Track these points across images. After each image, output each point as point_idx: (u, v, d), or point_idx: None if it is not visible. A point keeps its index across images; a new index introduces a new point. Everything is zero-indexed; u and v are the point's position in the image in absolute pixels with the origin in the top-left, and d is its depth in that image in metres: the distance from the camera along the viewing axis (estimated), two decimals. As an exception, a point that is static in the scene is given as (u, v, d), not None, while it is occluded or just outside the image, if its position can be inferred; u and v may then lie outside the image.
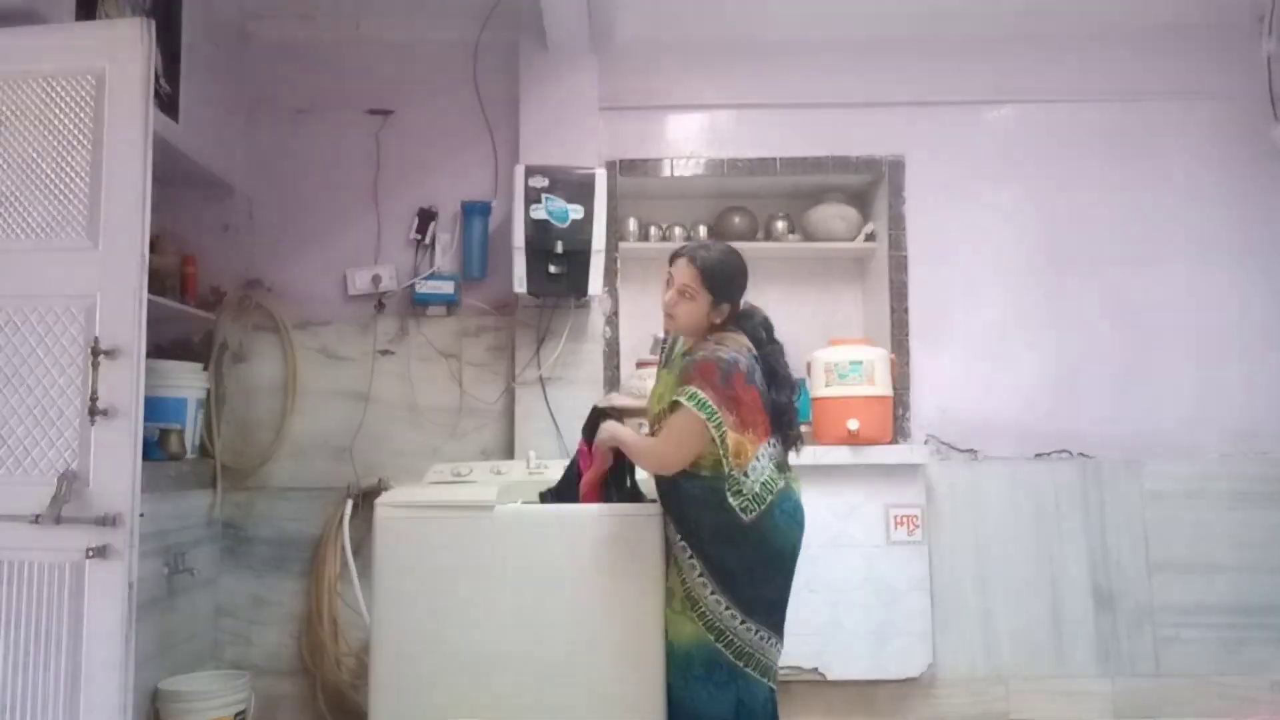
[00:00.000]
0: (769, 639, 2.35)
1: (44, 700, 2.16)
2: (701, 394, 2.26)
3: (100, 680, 2.14)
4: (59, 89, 2.31)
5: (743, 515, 2.28)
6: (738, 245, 3.55)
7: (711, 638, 2.31)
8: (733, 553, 2.31)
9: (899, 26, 3.59)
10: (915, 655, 3.27)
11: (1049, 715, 3.34)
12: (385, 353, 3.46)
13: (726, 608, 2.31)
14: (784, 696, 2.71)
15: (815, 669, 3.23)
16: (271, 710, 3.28)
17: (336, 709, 3.25)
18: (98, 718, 2.14)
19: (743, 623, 2.31)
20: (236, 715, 2.94)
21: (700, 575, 2.33)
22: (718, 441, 2.26)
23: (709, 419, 2.25)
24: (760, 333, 2.47)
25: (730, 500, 2.28)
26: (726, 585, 2.32)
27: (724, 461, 2.28)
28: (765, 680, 2.34)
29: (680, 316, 2.44)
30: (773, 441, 2.40)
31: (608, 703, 2.41)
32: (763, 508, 2.29)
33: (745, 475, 2.29)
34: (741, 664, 2.31)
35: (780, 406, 2.43)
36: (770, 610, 2.36)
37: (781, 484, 2.37)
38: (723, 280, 2.42)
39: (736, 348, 2.37)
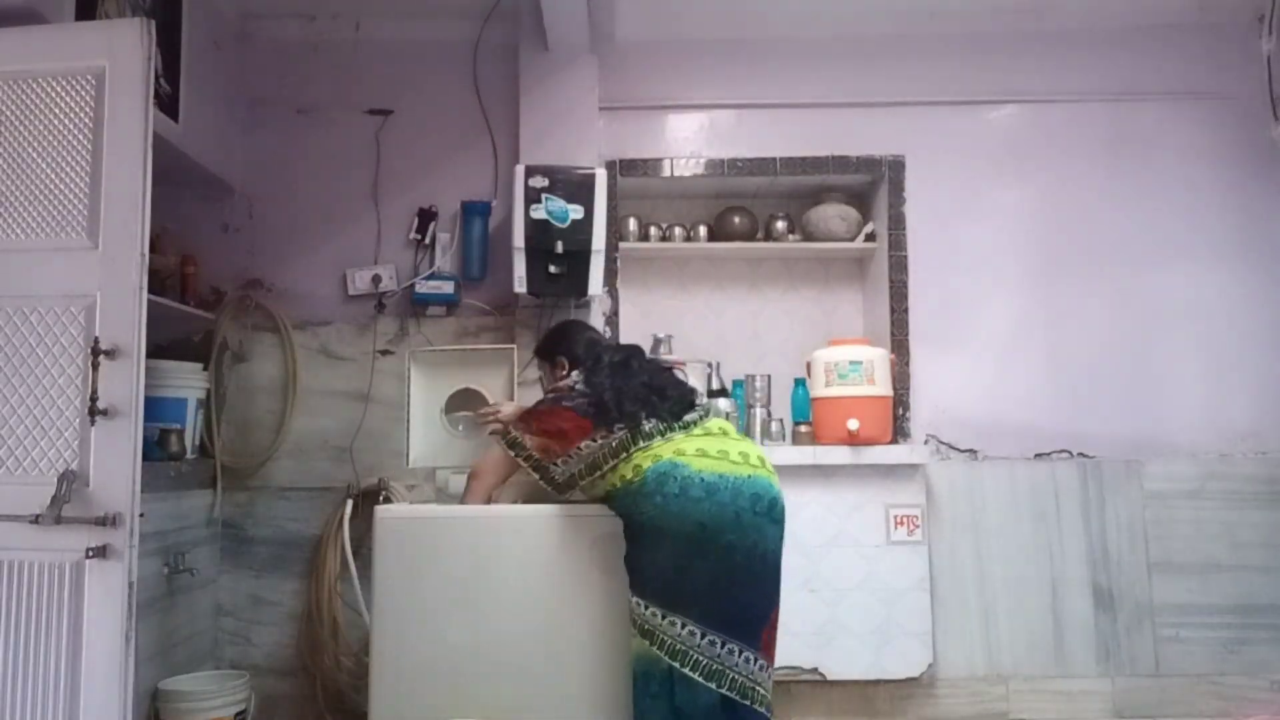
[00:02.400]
0: (710, 639, 2.24)
1: (44, 700, 2.16)
2: (513, 432, 2.52)
3: (100, 680, 2.14)
4: (59, 89, 2.31)
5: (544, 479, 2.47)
6: (741, 245, 3.68)
7: (648, 642, 2.26)
8: (631, 548, 2.35)
9: (899, 26, 3.59)
10: (915, 655, 3.27)
11: (1049, 715, 3.34)
12: (385, 353, 3.46)
13: (646, 607, 2.28)
14: (784, 696, 2.71)
15: (815, 669, 3.23)
16: (271, 710, 3.28)
17: (336, 709, 3.25)
18: (97, 718, 2.13)
19: (665, 618, 2.25)
20: (236, 715, 2.94)
21: (630, 585, 2.35)
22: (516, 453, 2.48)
23: (509, 446, 2.50)
24: (585, 359, 2.65)
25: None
26: (637, 582, 2.32)
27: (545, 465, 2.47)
28: (712, 684, 2.22)
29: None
30: (596, 432, 2.41)
31: (607, 701, 2.41)
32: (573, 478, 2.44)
33: (554, 464, 2.46)
34: (677, 663, 2.22)
35: (609, 397, 2.45)
36: (695, 601, 2.24)
37: (659, 461, 2.32)
38: (545, 349, 2.85)
39: (556, 391, 2.59)
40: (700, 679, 2.22)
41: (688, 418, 2.46)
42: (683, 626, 2.25)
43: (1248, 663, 3.38)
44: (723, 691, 2.23)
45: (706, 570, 2.27)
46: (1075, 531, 3.43)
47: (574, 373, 2.62)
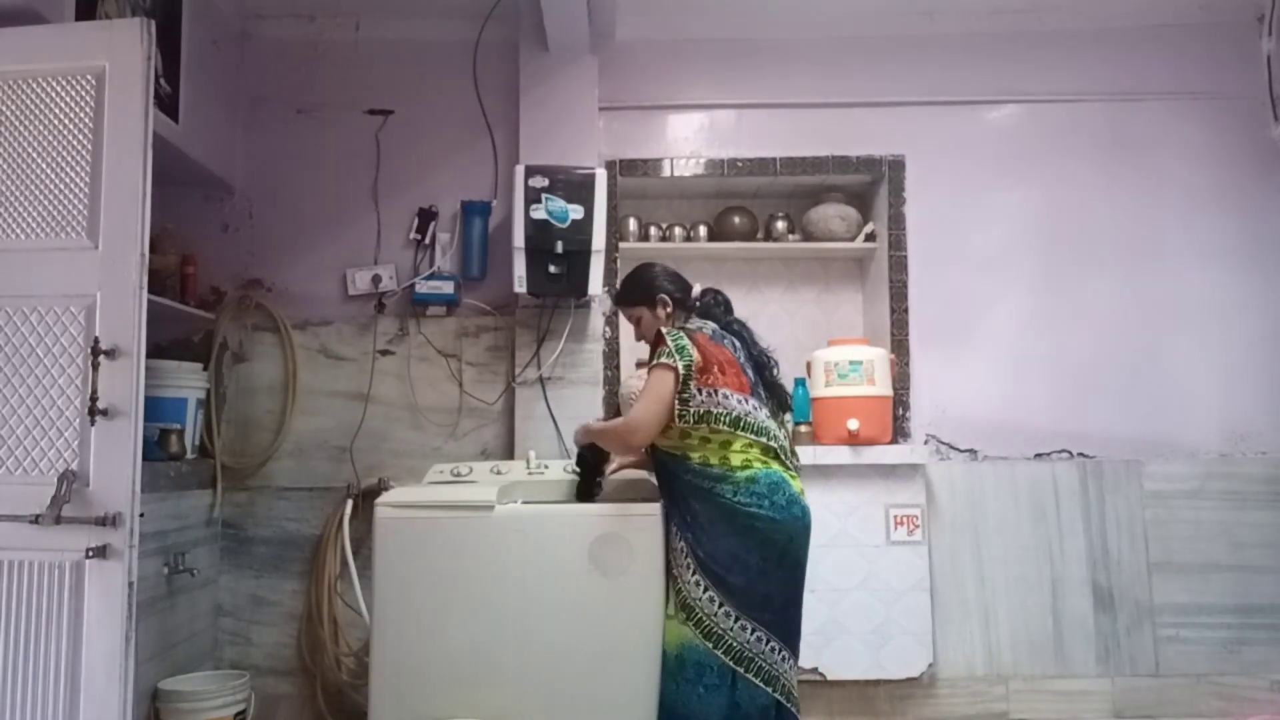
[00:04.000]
0: (771, 645, 2.33)
1: (44, 700, 2.16)
2: (668, 347, 2.42)
3: (100, 680, 2.14)
4: (59, 89, 2.31)
5: (679, 419, 2.37)
6: (741, 245, 3.68)
7: (710, 644, 2.31)
8: (721, 540, 2.34)
9: (899, 26, 3.59)
10: (915, 655, 3.27)
11: (1049, 715, 3.34)
12: (385, 353, 3.46)
13: (720, 605, 2.32)
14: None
15: (815, 669, 3.23)
16: (271, 710, 3.28)
17: (336, 709, 3.25)
18: (98, 718, 2.13)
19: (737, 620, 2.31)
20: (236, 715, 2.94)
21: (694, 574, 2.35)
22: (679, 370, 2.36)
23: (679, 355, 2.38)
24: (716, 310, 2.66)
25: (681, 417, 2.37)
26: (718, 579, 2.33)
27: (689, 385, 2.37)
28: (769, 689, 2.32)
29: (646, 334, 2.68)
30: (751, 400, 2.46)
31: (607, 702, 2.41)
32: (708, 426, 2.38)
33: (699, 392, 2.37)
34: (742, 669, 2.30)
35: (761, 362, 2.57)
36: (766, 606, 2.34)
37: (769, 469, 2.40)
38: (637, 290, 2.67)
39: (694, 327, 2.55)
40: (760, 683, 2.32)
41: (791, 453, 2.55)
42: (752, 632, 2.33)
43: (1248, 663, 3.38)
44: (776, 696, 2.34)
45: (780, 580, 2.38)
46: (1075, 531, 3.43)
47: (698, 320, 2.61)
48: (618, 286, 2.75)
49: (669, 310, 2.62)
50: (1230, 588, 3.40)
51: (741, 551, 2.33)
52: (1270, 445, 3.48)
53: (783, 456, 2.47)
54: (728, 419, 2.39)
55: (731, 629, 2.31)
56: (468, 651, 2.42)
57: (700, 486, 2.38)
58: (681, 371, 2.37)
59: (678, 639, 2.36)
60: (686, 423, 2.38)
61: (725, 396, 2.40)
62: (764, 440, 2.43)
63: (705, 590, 2.33)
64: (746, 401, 2.44)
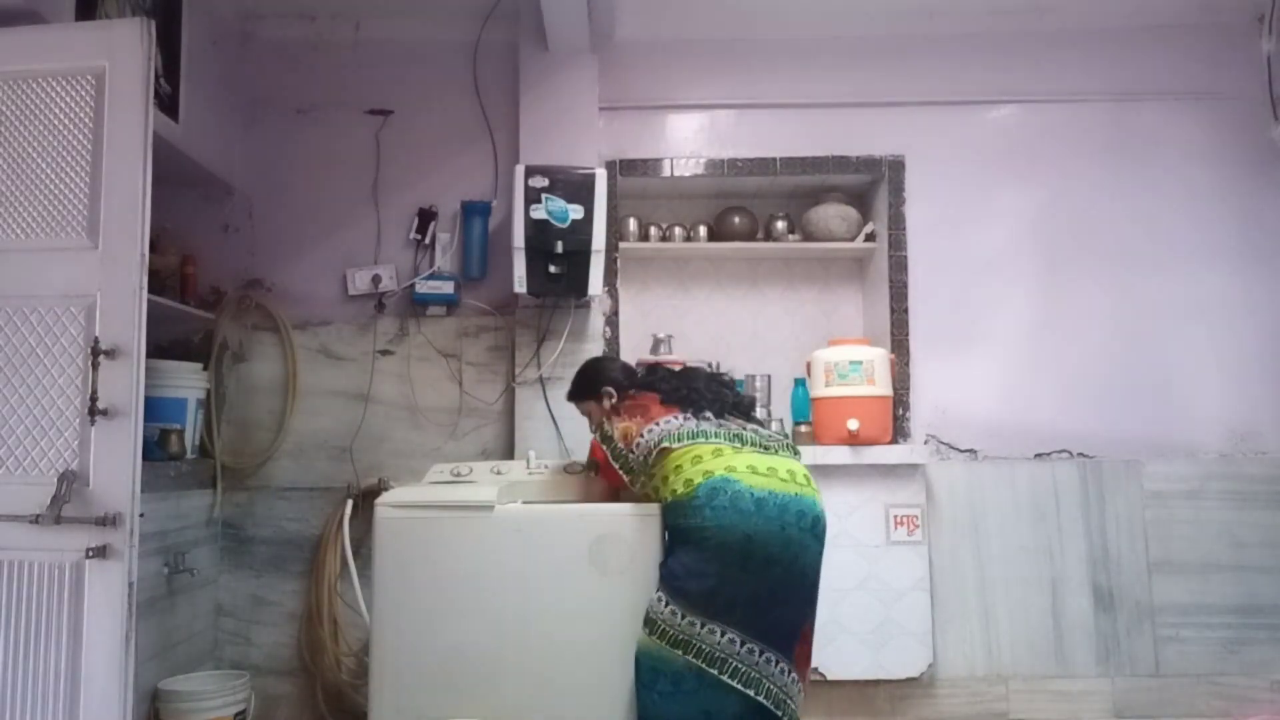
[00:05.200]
0: (749, 647, 2.28)
1: (44, 700, 2.16)
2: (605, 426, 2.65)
3: (100, 680, 2.14)
4: (59, 89, 2.31)
5: (636, 486, 2.54)
6: (741, 245, 3.69)
7: (679, 651, 2.29)
8: (678, 556, 2.36)
9: (899, 26, 3.59)
10: (915, 655, 3.27)
11: (1049, 715, 3.34)
12: (385, 353, 3.46)
13: (683, 616, 2.30)
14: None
15: (815, 669, 3.22)
16: (271, 710, 3.29)
17: (336, 709, 3.25)
18: (97, 717, 2.14)
19: (704, 626, 2.28)
20: (236, 715, 2.94)
21: (657, 591, 2.38)
22: (608, 451, 2.59)
23: (602, 441, 2.61)
24: (662, 384, 2.70)
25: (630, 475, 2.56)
26: (676, 591, 2.32)
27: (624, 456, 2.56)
28: (750, 691, 2.26)
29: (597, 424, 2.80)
30: (680, 415, 2.54)
31: (606, 701, 2.41)
32: (641, 466, 2.50)
33: (631, 450, 2.53)
34: (715, 670, 2.26)
35: (679, 384, 2.66)
36: (733, 608, 2.29)
37: (710, 478, 2.34)
38: (582, 388, 2.88)
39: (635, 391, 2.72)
40: (739, 685, 2.26)
41: (764, 432, 2.57)
42: (722, 635, 2.28)
43: (1248, 663, 3.38)
44: (759, 699, 2.27)
45: (748, 582, 2.31)
46: (1075, 531, 3.43)
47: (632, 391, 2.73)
48: (569, 389, 2.98)
49: (614, 401, 2.74)
50: (1230, 588, 3.40)
51: (698, 564, 2.31)
52: (1270, 445, 3.48)
53: (733, 445, 2.45)
54: (655, 453, 2.47)
55: (699, 634, 2.28)
56: (467, 651, 2.42)
57: (665, 519, 2.44)
58: (607, 449, 2.59)
59: (646, 647, 2.35)
60: (639, 485, 2.54)
61: (648, 433, 2.50)
62: (702, 441, 2.44)
63: (666, 604, 2.33)
64: (672, 421, 2.50)
